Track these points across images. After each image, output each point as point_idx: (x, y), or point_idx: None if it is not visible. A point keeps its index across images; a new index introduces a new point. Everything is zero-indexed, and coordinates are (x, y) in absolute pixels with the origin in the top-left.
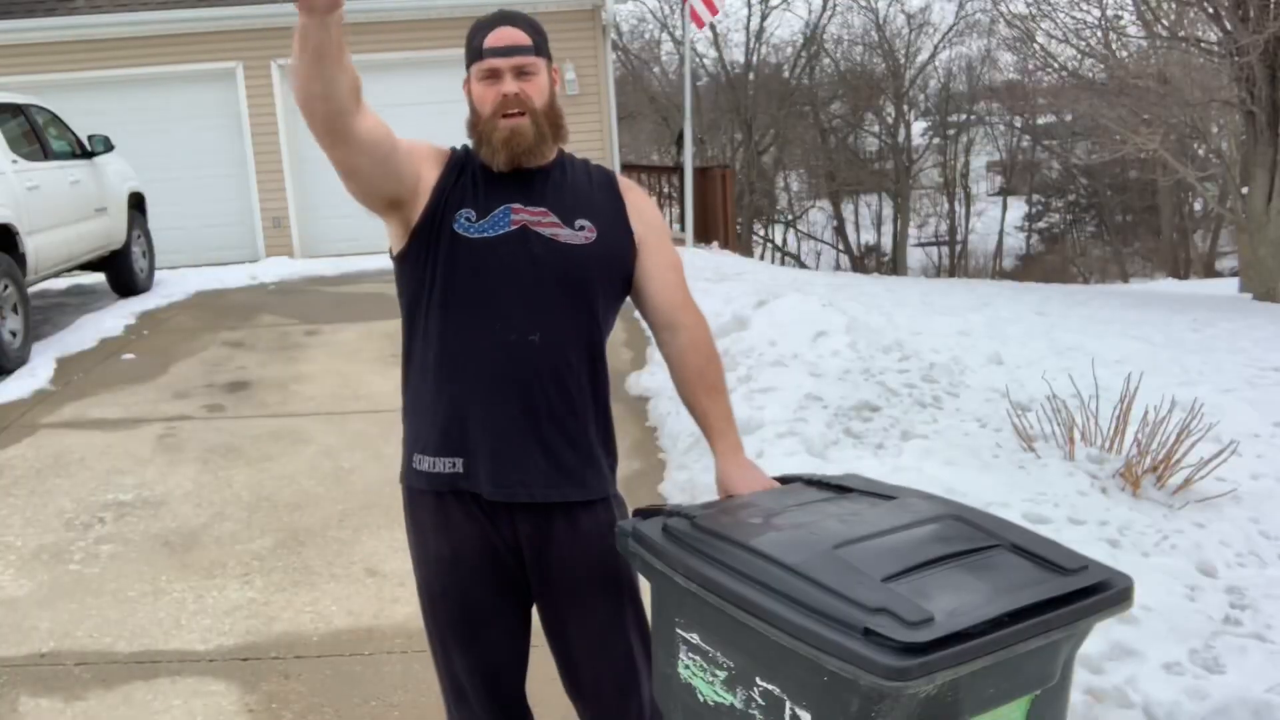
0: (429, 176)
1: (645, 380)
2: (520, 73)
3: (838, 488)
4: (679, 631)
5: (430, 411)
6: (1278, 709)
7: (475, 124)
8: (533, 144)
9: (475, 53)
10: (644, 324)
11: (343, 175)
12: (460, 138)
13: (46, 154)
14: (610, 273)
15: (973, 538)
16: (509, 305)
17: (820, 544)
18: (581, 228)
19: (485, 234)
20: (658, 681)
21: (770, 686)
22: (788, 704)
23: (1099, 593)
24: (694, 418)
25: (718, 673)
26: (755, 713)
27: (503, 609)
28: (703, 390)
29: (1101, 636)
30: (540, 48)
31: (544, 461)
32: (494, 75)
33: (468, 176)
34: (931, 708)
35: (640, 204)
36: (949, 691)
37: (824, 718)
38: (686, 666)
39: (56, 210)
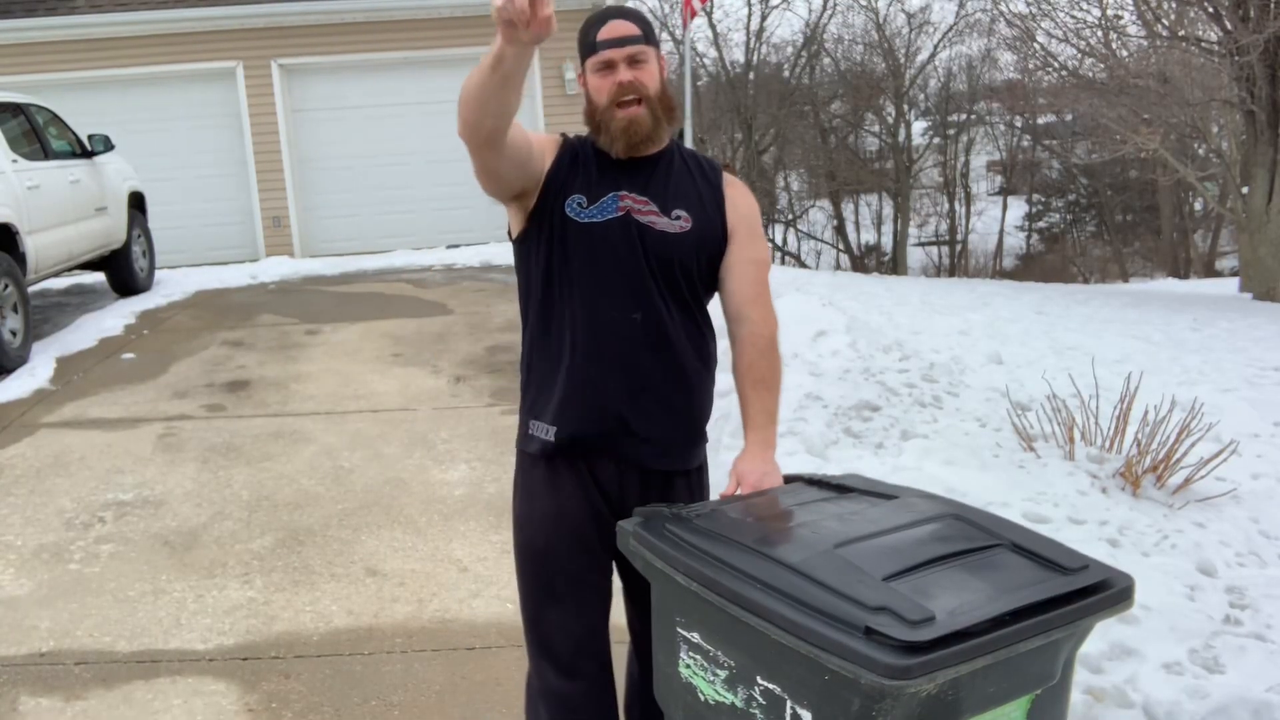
0: (548, 166)
1: None
2: (633, 61)
3: (838, 487)
4: (680, 631)
5: (546, 381)
6: (1277, 708)
7: (593, 114)
8: (650, 131)
9: (590, 47)
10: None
11: (482, 174)
12: (454, 136)
13: (47, 153)
14: (700, 260)
15: (973, 537)
16: (614, 284)
17: (820, 543)
18: (678, 217)
19: (594, 219)
20: (658, 680)
21: (771, 685)
22: (788, 703)
23: (1100, 592)
24: (740, 407)
25: (718, 672)
26: (756, 712)
27: (597, 569)
28: (750, 382)
29: (1101, 636)
30: (650, 37)
31: (649, 424)
32: (609, 66)
33: (581, 162)
34: (932, 706)
35: (738, 199)
36: (950, 690)
37: (825, 717)
38: (687, 666)
39: (56, 209)
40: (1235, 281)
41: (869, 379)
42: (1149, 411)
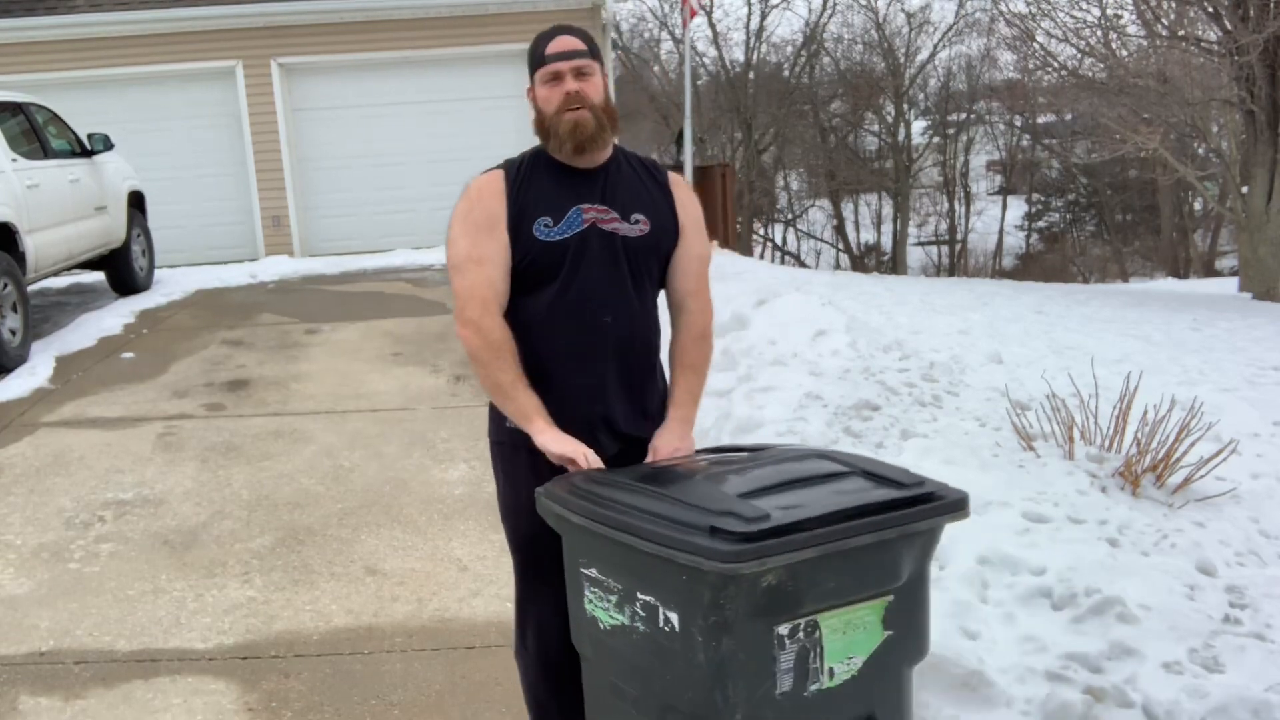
0: (505, 218)
1: None
2: (579, 74)
3: (738, 448)
4: (582, 570)
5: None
6: (1277, 708)
7: (542, 122)
8: (594, 133)
9: (539, 60)
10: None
11: None
12: (454, 135)
13: (46, 153)
14: (658, 259)
15: (830, 468)
16: (585, 292)
17: (691, 476)
18: (637, 221)
19: (563, 235)
20: (574, 625)
21: (648, 597)
22: (660, 610)
23: (929, 501)
24: (669, 386)
25: (610, 598)
26: (639, 625)
27: None
28: (679, 366)
29: (1101, 636)
30: (594, 52)
31: (622, 411)
32: (557, 77)
33: (532, 181)
34: (775, 596)
35: (685, 199)
36: (789, 580)
37: (686, 614)
38: (590, 601)
39: (56, 209)
40: (1235, 281)
41: (869, 379)
42: (1149, 411)
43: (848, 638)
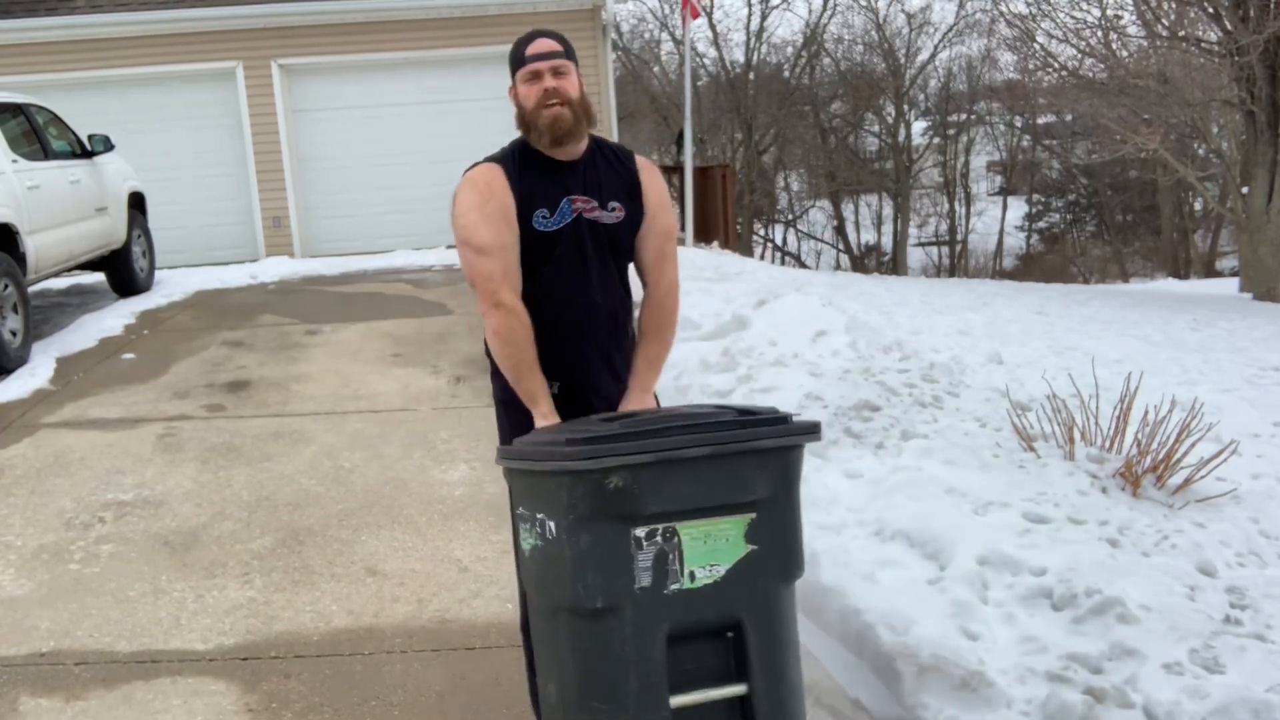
0: (513, 208)
1: None
2: (556, 72)
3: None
4: (517, 510)
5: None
6: (1278, 709)
7: (523, 117)
8: (571, 127)
9: (520, 60)
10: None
11: None
12: (455, 136)
13: (47, 153)
14: (631, 240)
15: (710, 410)
16: (576, 276)
17: (597, 421)
18: (614, 208)
19: (558, 225)
20: (517, 563)
21: (541, 515)
22: (548, 522)
23: (775, 424)
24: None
25: (531, 527)
26: (539, 541)
27: None
28: (645, 333)
29: (1101, 636)
30: (570, 54)
31: (606, 381)
32: (537, 75)
33: (524, 174)
34: (623, 499)
35: (650, 180)
36: (633, 483)
37: (557, 519)
38: (524, 537)
39: (57, 210)
40: (1235, 281)
41: (869, 379)
42: (1149, 411)
43: (709, 547)
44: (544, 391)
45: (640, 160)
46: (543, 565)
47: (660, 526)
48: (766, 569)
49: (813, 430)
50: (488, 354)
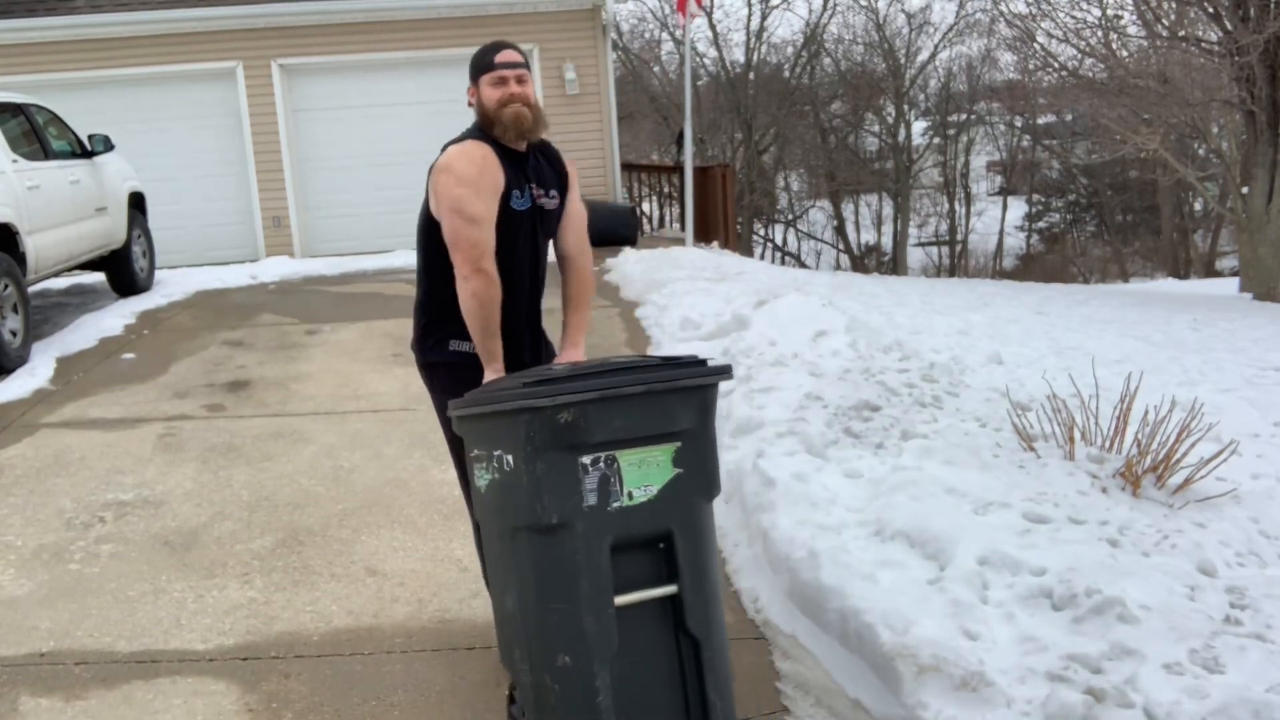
0: (502, 185)
1: None
2: (519, 80)
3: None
4: (472, 454)
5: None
6: (1278, 709)
7: (486, 114)
8: (531, 125)
9: (488, 66)
10: (644, 325)
11: None
12: (452, 134)
13: (47, 153)
14: (557, 225)
15: (641, 358)
16: (524, 252)
17: (545, 369)
18: (553, 197)
19: (525, 207)
20: (471, 501)
21: (498, 451)
22: (505, 456)
23: (694, 366)
24: (563, 321)
25: (482, 464)
26: (495, 475)
27: None
28: (571, 306)
29: (1101, 636)
30: (527, 65)
31: (527, 345)
32: (503, 80)
33: (503, 160)
34: (572, 431)
35: (573, 174)
36: (581, 418)
37: (516, 452)
38: (479, 476)
39: (57, 210)
40: (1235, 281)
41: (869, 379)
42: (1149, 411)
43: (643, 471)
44: (499, 350)
45: (565, 157)
46: (501, 494)
47: (603, 454)
48: (691, 488)
49: (724, 371)
50: (429, 319)
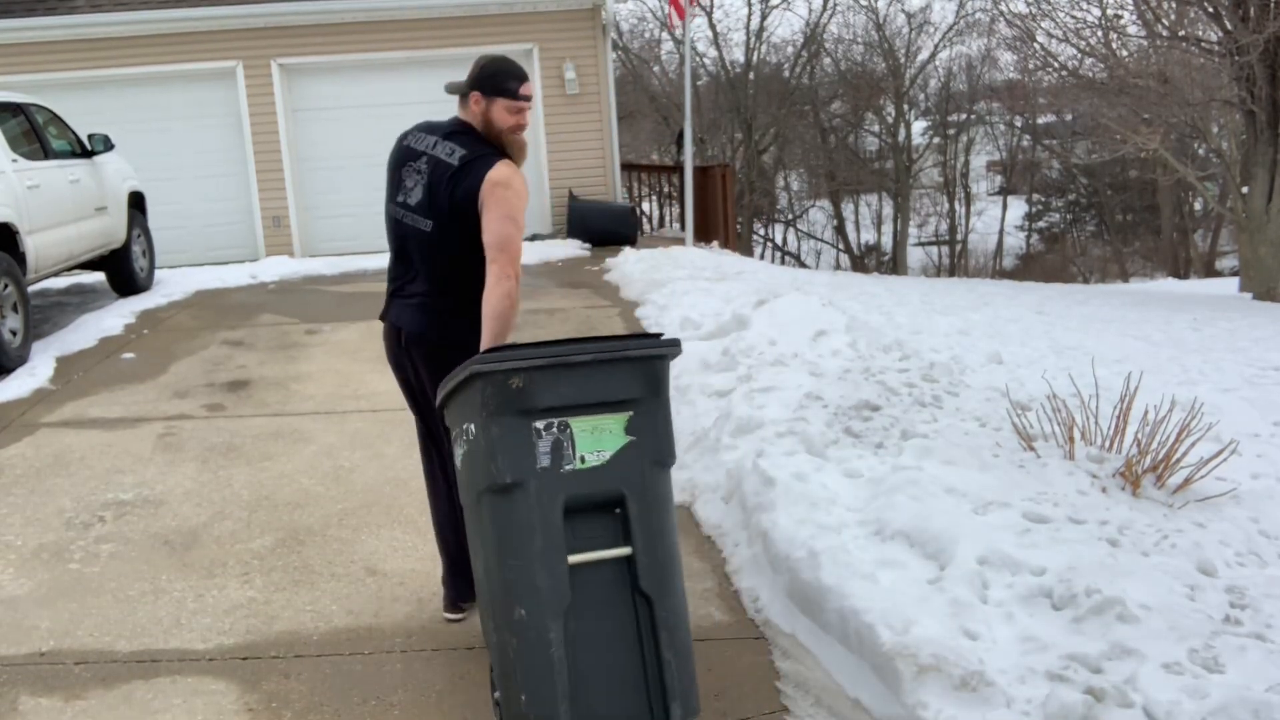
0: None
1: None
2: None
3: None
4: (453, 435)
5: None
6: (1278, 709)
7: (494, 129)
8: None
9: (511, 93)
10: (644, 325)
11: None
12: None
13: (46, 153)
14: None
15: (599, 337)
16: None
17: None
18: None
19: None
20: (457, 478)
21: (467, 425)
22: (470, 427)
23: (643, 339)
24: None
25: (460, 440)
26: (465, 446)
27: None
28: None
29: (1101, 636)
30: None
31: None
32: (520, 111)
33: None
34: (524, 396)
35: None
36: (531, 384)
37: (476, 419)
38: (457, 453)
39: (56, 209)
40: (1235, 281)
41: (869, 379)
42: (1149, 411)
43: (595, 437)
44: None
45: None
46: (469, 464)
47: (555, 420)
48: (643, 455)
49: (672, 345)
50: (455, 306)
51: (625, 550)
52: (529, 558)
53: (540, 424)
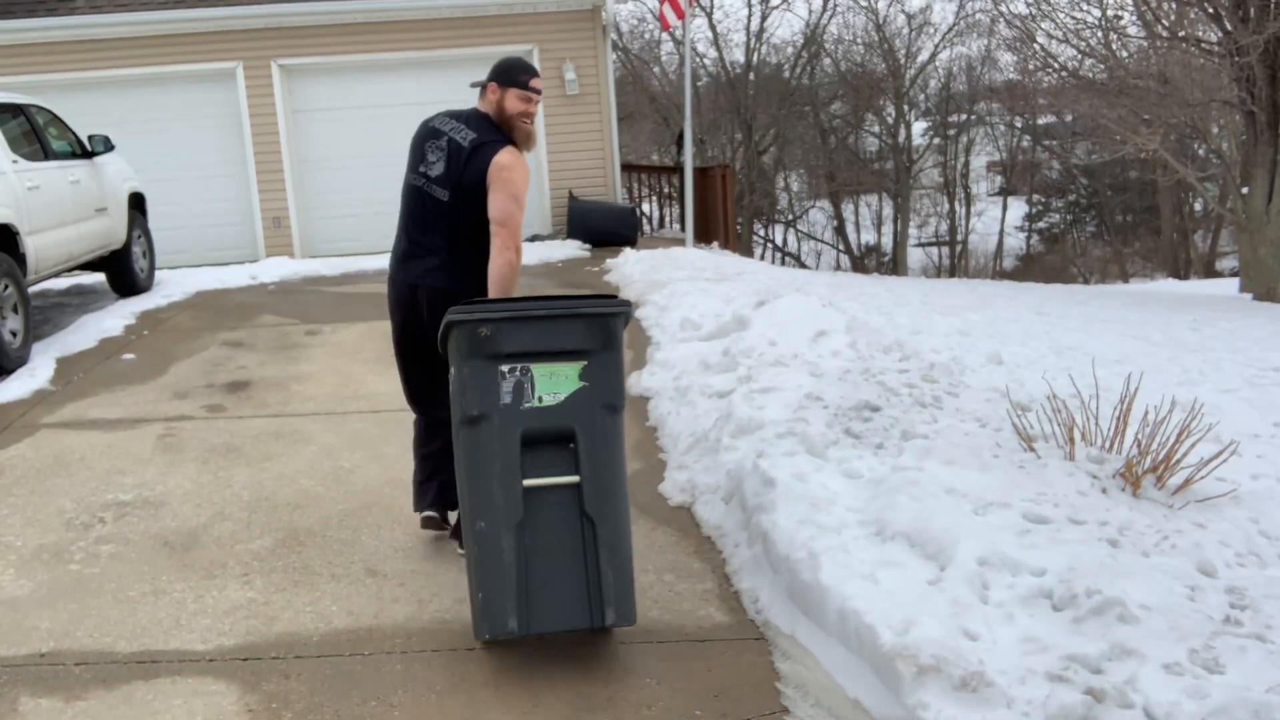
0: None
1: (645, 380)
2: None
3: None
4: (452, 372)
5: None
6: (1278, 709)
7: (504, 116)
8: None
9: (523, 85)
10: (644, 325)
11: None
12: None
13: (47, 154)
14: None
15: (566, 295)
16: None
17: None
18: None
19: None
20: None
21: (452, 367)
22: (453, 369)
23: (596, 300)
24: None
25: (453, 380)
26: (452, 385)
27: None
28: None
29: (1101, 637)
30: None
31: None
32: (530, 100)
33: None
34: (491, 344)
35: None
36: (497, 334)
37: (456, 361)
38: (451, 390)
39: (57, 210)
40: (1235, 282)
41: (869, 379)
42: (1149, 412)
43: (553, 381)
44: None
45: None
46: (454, 398)
47: (518, 365)
48: (594, 398)
49: (624, 305)
50: (470, 284)
51: (574, 478)
52: (489, 478)
53: (505, 367)
